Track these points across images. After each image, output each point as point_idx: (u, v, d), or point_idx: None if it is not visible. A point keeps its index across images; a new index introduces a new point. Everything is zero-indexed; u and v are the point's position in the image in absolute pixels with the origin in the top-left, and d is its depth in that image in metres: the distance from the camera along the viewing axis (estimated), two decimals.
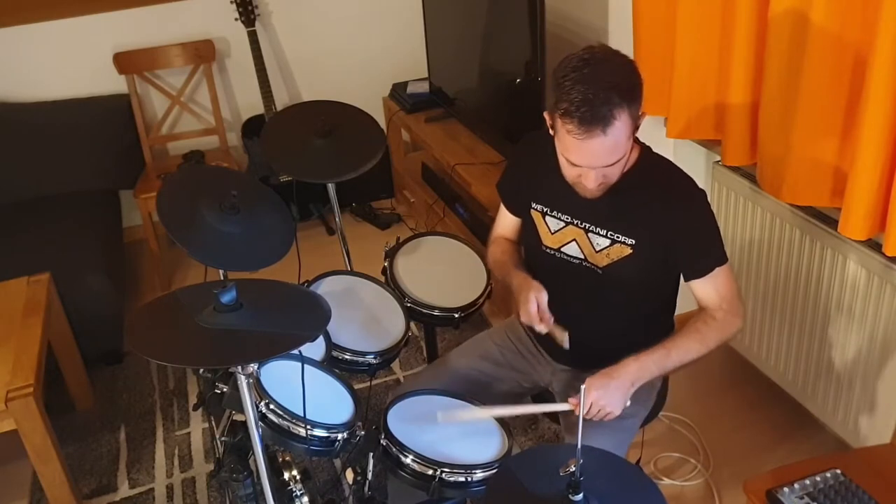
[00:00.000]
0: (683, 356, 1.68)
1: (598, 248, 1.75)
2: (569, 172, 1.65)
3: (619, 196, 1.69)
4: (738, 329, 1.73)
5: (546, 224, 1.83)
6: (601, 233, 1.75)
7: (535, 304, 1.72)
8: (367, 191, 3.97)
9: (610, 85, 1.50)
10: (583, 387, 1.54)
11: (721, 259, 1.72)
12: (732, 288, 1.73)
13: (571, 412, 1.74)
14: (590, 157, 1.56)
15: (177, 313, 1.46)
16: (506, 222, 1.99)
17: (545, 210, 1.82)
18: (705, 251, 1.71)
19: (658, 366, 1.67)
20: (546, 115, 1.63)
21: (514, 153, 1.98)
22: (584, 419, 1.56)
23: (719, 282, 1.71)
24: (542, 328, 1.72)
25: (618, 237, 1.73)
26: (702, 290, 1.73)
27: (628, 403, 1.65)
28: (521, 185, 1.88)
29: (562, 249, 1.80)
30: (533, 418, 2.58)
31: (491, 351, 1.97)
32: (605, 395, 1.61)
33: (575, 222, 1.78)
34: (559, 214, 1.80)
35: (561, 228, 1.80)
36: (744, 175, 2.36)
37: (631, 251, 1.72)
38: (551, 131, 1.63)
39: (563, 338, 1.74)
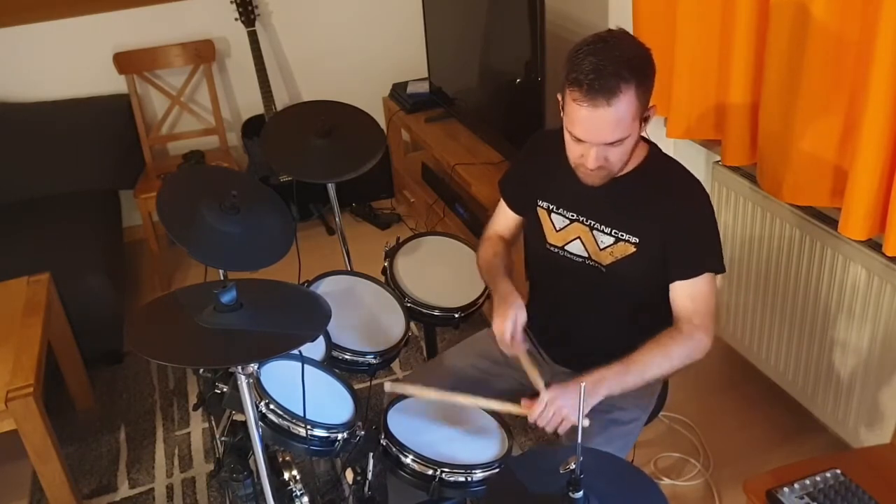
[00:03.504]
0: (643, 371, 1.63)
1: (602, 246, 1.75)
2: (573, 151, 1.64)
3: (624, 193, 1.69)
4: (706, 348, 1.67)
5: (551, 221, 1.82)
6: (606, 230, 1.74)
7: (511, 323, 1.70)
8: (367, 191, 3.96)
9: (622, 60, 1.50)
10: (545, 394, 1.52)
11: (711, 266, 1.68)
12: (710, 304, 1.69)
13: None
14: (593, 130, 1.55)
15: (177, 313, 1.46)
16: (503, 220, 1.98)
17: (551, 207, 1.82)
18: (698, 253, 1.69)
19: (617, 379, 1.62)
20: (559, 95, 1.63)
21: (522, 150, 1.98)
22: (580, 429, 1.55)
23: (700, 291, 1.68)
24: (509, 351, 1.70)
25: (622, 235, 1.72)
26: (679, 295, 1.69)
27: (586, 423, 1.54)
28: (528, 182, 1.87)
29: (565, 248, 1.80)
30: None
31: (490, 349, 1.96)
32: (560, 398, 1.58)
33: (580, 219, 1.77)
34: (565, 211, 1.80)
35: (566, 226, 1.80)
36: (744, 175, 2.36)
37: (635, 249, 1.72)
38: (562, 113, 1.63)
39: (535, 376, 1.66)
